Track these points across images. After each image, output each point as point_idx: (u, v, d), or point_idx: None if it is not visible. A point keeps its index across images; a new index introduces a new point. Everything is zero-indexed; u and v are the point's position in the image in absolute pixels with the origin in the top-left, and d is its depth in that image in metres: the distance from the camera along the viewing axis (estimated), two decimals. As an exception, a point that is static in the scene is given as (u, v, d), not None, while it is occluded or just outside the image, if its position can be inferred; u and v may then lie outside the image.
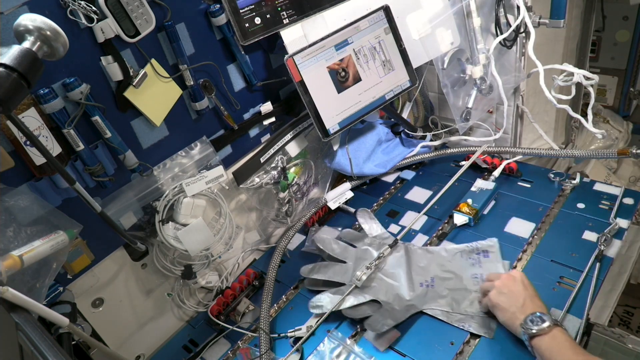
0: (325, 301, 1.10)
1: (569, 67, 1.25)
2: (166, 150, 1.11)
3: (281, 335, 1.10)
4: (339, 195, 1.43)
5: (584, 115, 1.33)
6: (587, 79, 1.25)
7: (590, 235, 1.13)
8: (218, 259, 1.25)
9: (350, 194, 1.44)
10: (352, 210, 1.41)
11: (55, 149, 0.89)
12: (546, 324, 0.85)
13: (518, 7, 1.25)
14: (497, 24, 1.31)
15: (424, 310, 1.05)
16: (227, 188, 1.23)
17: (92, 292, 1.06)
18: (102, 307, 1.08)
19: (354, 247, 1.24)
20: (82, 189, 0.83)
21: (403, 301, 1.07)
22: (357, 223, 1.35)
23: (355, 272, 1.12)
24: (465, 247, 1.15)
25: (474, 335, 0.98)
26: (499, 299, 0.94)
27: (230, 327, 1.14)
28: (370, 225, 1.30)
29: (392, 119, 1.60)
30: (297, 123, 1.35)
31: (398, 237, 1.22)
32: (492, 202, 1.30)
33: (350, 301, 1.07)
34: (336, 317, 1.09)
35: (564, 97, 1.29)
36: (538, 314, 0.87)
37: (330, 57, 1.22)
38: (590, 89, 1.28)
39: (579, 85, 1.27)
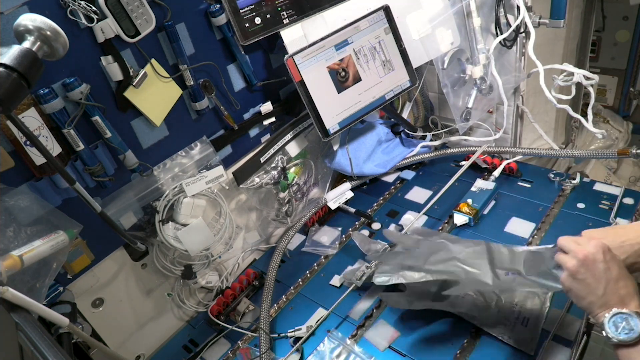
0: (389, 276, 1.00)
1: (569, 67, 1.25)
2: (166, 150, 1.11)
3: (281, 335, 1.10)
4: (339, 195, 1.43)
5: (584, 115, 1.33)
6: (587, 79, 1.25)
7: (590, 235, 1.12)
8: (218, 259, 1.25)
9: (350, 194, 1.44)
10: (352, 210, 1.41)
11: (55, 149, 0.89)
12: (635, 334, 0.67)
13: (518, 7, 1.25)
14: (497, 24, 1.31)
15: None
16: (227, 188, 1.23)
17: (92, 292, 1.06)
18: (102, 307, 1.08)
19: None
20: (82, 189, 0.83)
21: (485, 286, 0.93)
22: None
23: (428, 258, 1.01)
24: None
25: (474, 336, 0.98)
26: (572, 285, 0.75)
27: (230, 327, 1.14)
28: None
29: (392, 119, 1.60)
30: (297, 123, 1.35)
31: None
32: (492, 202, 1.30)
33: (418, 276, 0.98)
34: (336, 317, 1.09)
35: (564, 97, 1.29)
36: (624, 314, 0.69)
37: (330, 57, 1.22)
38: (590, 89, 1.28)
39: (579, 85, 1.27)
